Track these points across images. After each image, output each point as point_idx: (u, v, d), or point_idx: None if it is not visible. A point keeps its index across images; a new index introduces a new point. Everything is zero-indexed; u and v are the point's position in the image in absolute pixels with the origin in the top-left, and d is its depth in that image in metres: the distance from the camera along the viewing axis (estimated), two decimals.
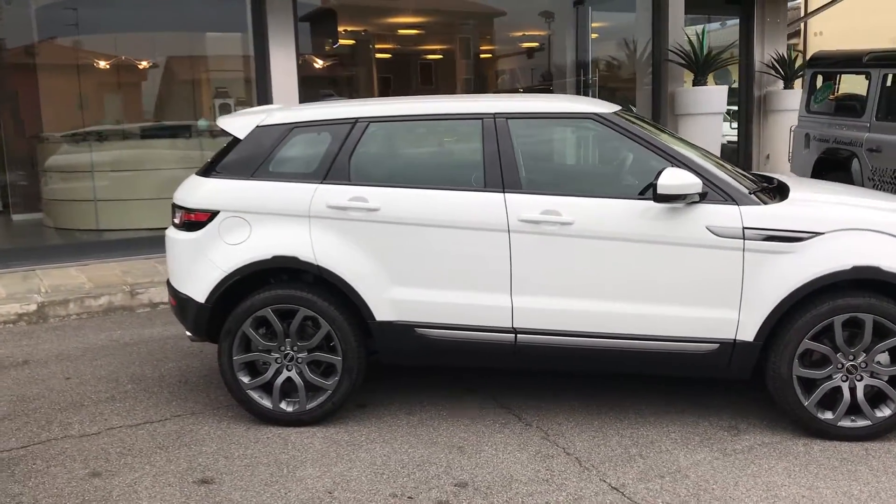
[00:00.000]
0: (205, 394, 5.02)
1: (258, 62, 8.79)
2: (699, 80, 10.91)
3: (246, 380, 4.49)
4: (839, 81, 9.59)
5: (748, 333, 4.17)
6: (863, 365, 4.13)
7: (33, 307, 6.59)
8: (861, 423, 4.17)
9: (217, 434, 4.43)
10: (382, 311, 4.36)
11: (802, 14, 20.65)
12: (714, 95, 10.74)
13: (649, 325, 4.23)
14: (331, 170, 4.44)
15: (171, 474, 3.98)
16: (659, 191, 4.06)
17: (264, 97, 8.81)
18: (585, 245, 4.22)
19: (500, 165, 4.32)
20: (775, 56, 12.27)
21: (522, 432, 4.37)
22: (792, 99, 12.21)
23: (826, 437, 4.21)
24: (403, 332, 4.38)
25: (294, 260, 4.36)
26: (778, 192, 4.54)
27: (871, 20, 20.77)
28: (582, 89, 12.62)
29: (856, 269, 4.05)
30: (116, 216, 9.67)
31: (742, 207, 4.17)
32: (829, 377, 4.17)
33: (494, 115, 4.41)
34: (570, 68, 12.80)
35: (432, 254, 4.33)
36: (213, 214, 4.47)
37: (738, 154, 12.83)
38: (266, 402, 4.49)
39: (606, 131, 4.38)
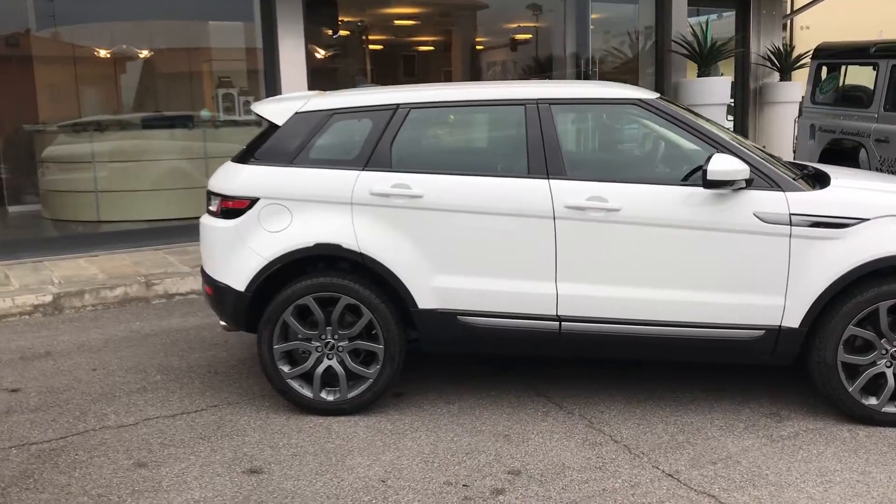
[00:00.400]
0: (237, 383, 4.96)
1: (266, 52, 8.71)
2: (703, 72, 10.94)
3: (286, 369, 4.44)
4: (846, 73, 9.63)
5: (794, 320, 4.18)
6: None
7: (49, 298, 6.49)
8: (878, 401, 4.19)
9: (257, 424, 4.37)
10: (425, 299, 4.33)
11: (789, 9, 20.80)
12: (718, 86, 10.79)
13: (696, 313, 4.22)
14: (372, 156, 4.39)
15: (218, 464, 3.93)
16: (709, 176, 4.05)
17: (273, 88, 8.73)
18: (632, 232, 4.20)
19: (544, 152, 4.30)
20: (771, 48, 12.31)
21: (566, 420, 4.36)
22: (788, 91, 12.27)
23: (870, 423, 4.22)
24: (446, 319, 4.35)
25: (337, 247, 4.31)
26: (817, 179, 4.55)
27: (853, 15, 20.94)
28: (583, 78, 12.60)
29: (888, 256, 4.07)
30: (118, 207, 9.55)
31: (788, 194, 4.17)
32: (874, 363, 4.18)
33: (537, 101, 4.38)
34: (570, 58, 12.73)
35: (476, 241, 4.29)
36: (252, 202, 4.41)
37: None
38: (306, 392, 4.44)
39: (651, 117, 4.37)
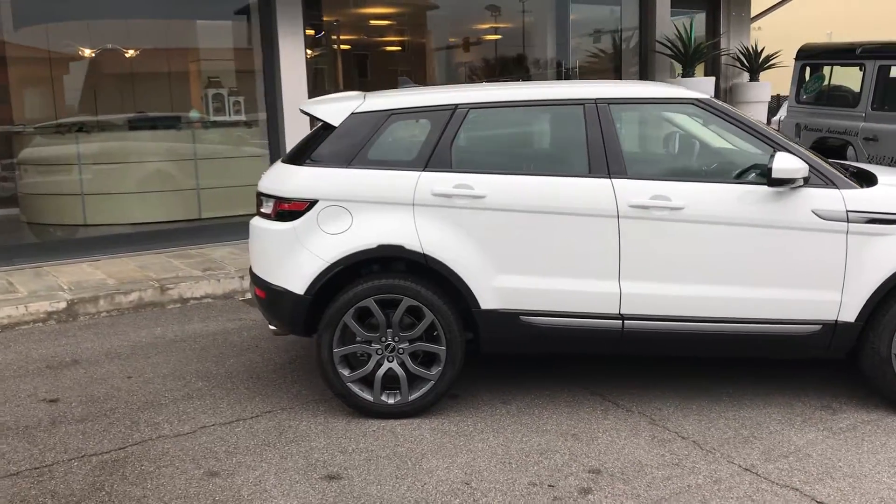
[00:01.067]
0: (284, 388, 4.88)
1: (266, 51, 8.58)
2: (688, 72, 11.12)
3: (346, 373, 4.38)
4: (831, 73, 9.89)
5: (850, 314, 4.28)
6: None
7: (63, 305, 6.30)
8: None
9: (318, 429, 4.31)
10: (487, 300, 4.32)
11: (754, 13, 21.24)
12: (703, 86, 10.97)
13: (756, 309, 4.30)
14: (432, 157, 4.36)
15: (293, 471, 3.86)
16: (774, 174, 4.12)
17: (272, 88, 8.61)
18: (695, 230, 4.26)
19: (605, 151, 4.32)
20: (741, 49, 12.54)
21: (627, 418, 4.39)
22: (758, 91, 12.53)
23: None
24: (508, 320, 4.34)
25: (399, 248, 4.28)
26: (861, 177, 4.66)
27: (802, 12, 21.49)
28: (562, 79, 12.69)
29: None
30: (106, 210, 9.31)
31: (843, 191, 4.27)
32: None
33: (596, 101, 4.40)
34: (550, 57, 12.81)
35: (539, 241, 4.30)
36: (311, 203, 4.34)
37: None
38: (367, 395, 4.39)
39: (707, 116, 4.43)
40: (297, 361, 5.33)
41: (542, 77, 12.71)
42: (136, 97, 10.38)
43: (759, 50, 12.41)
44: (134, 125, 10.01)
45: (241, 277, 7.00)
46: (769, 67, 12.50)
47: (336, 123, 4.44)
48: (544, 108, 4.53)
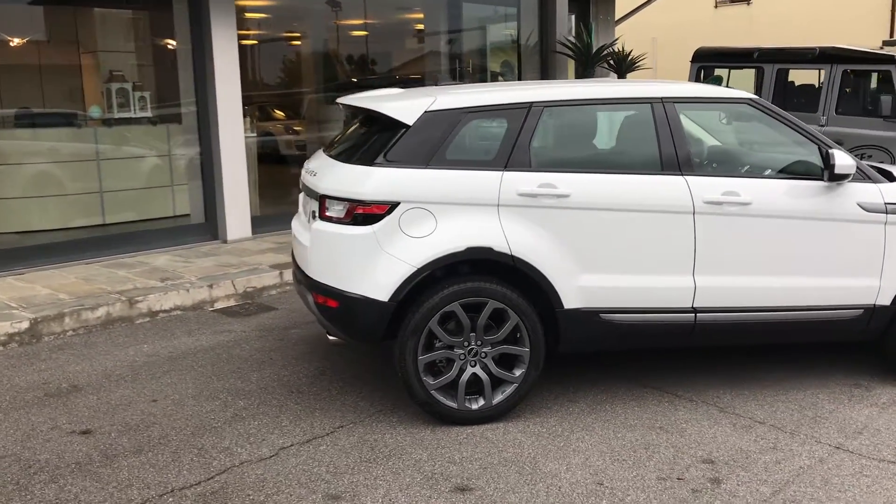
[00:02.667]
0: (338, 401, 4.63)
1: (196, 41, 8.03)
2: (589, 72, 11.55)
3: (431, 381, 4.23)
4: (729, 76, 10.63)
5: (886, 298, 4.66)
6: None
7: (25, 325, 5.61)
8: None
9: (409, 440, 4.13)
10: (570, 299, 4.32)
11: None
12: None
13: (810, 297, 4.57)
14: (511, 156, 4.30)
15: (417, 486, 3.68)
16: (836, 171, 4.41)
17: (203, 80, 8.07)
18: (760, 224, 4.47)
19: (675, 148, 4.44)
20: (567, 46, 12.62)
21: (696, 408, 4.54)
22: None
23: None
24: (589, 318, 4.36)
25: (488, 251, 4.18)
26: (882, 173, 5.02)
27: (655, 16, 22.93)
28: (458, 78, 12.78)
29: None
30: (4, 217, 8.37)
31: (879, 185, 4.63)
32: None
33: (663, 100, 4.51)
34: (444, 57, 12.86)
35: (620, 239, 4.35)
36: (392, 206, 4.14)
37: None
38: (451, 403, 4.26)
39: (759, 114, 4.65)
40: (329, 373, 5.07)
41: (436, 76, 12.70)
42: (21, 91, 9.38)
43: (626, 52, 12.58)
44: (21, 122, 9.05)
45: (210, 287, 6.54)
46: (636, 69, 12.78)
47: (409, 122, 4.26)
48: (615, 106, 4.58)
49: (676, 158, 4.44)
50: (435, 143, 4.25)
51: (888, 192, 4.63)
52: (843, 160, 4.43)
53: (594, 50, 11.32)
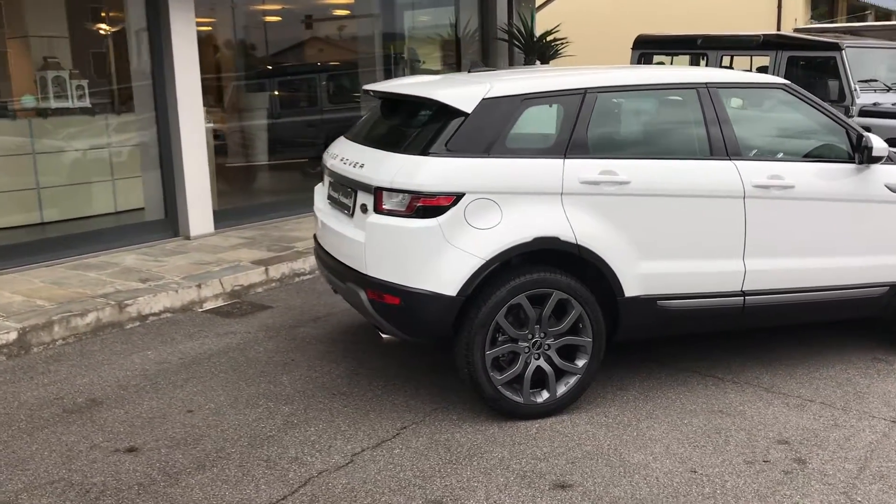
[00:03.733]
0: (387, 400, 4.44)
1: (152, 26, 7.55)
2: (530, 60, 11.58)
3: (498, 376, 4.12)
4: (672, 62, 10.88)
5: None
6: None
7: (13, 336, 5.13)
8: None
9: (481, 438, 4.01)
10: (631, 287, 4.29)
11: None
12: None
13: (845, 276, 4.71)
14: (570, 143, 4.21)
15: (515, 486, 3.58)
16: (874, 153, 4.55)
17: (161, 67, 7.60)
18: (802, 206, 4.56)
19: (722, 133, 4.47)
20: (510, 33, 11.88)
21: (744, 390, 4.60)
22: None
23: None
24: (647, 306, 4.35)
25: (555, 240, 4.09)
26: None
27: (558, 4, 23.20)
28: (393, 65, 12.56)
29: None
30: None
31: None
32: None
33: (707, 85, 4.53)
34: (378, 40, 12.57)
35: (677, 225, 4.35)
36: (457, 197, 3.99)
37: None
38: (516, 397, 4.17)
39: (793, 99, 4.74)
40: (364, 372, 4.87)
41: (370, 63, 12.45)
42: None
43: (532, 29, 11.80)
44: None
45: (199, 286, 6.17)
46: (557, 55, 12.65)
47: (468, 110, 4.11)
48: (664, 91, 4.56)
49: (724, 143, 4.47)
50: (495, 132, 4.12)
51: None
52: (879, 143, 4.57)
53: (537, 37, 11.33)
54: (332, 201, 4.78)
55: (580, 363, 4.27)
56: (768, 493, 3.52)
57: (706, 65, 10.15)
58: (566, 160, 4.17)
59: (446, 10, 12.35)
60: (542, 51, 11.46)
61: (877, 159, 4.60)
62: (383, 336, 4.32)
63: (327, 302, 6.25)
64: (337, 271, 4.54)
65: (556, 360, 4.22)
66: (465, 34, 11.92)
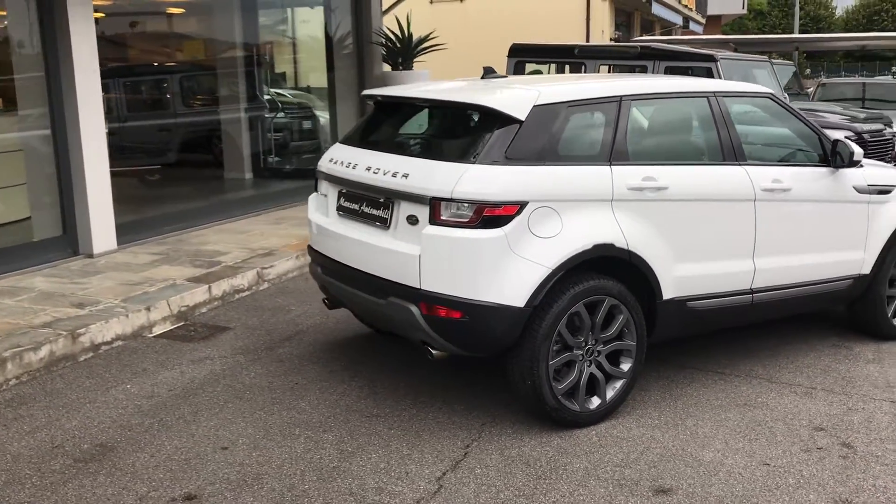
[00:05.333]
0: (430, 418, 4.26)
1: (44, 15, 6.74)
2: (406, 65, 11.52)
3: (559, 386, 4.09)
4: (549, 70, 11.23)
5: (867, 267, 5.34)
6: None
7: None
8: None
9: (550, 451, 3.95)
10: (668, 290, 4.40)
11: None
12: (422, 79, 11.48)
13: (826, 270, 5.11)
14: (613, 150, 4.26)
15: (620, 495, 3.56)
16: (855, 157, 4.96)
17: (55, 63, 6.79)
18: (797, 208, 4.90)
19: (731, 139, 4.70)
20: (383, 33, 11.48)
21: (749, 382, 4.84)
22: (413, 80, 11.36)
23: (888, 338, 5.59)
24: (679, 307, 4.48)
25: (610, 247, 4.12)
26: None
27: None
28: (256, 67, 12.00)
29: None
30: None
31: (863, 170, 5.29)
32: None
33: (715, 94, 4.74)
34: (240, 46, 12.02)
35: (705, 228, 4.52)
36: (521, 206, 3.91)
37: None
38: (573, 406, 4.15)
39: (777, 108, 5.07)
40: (383, 390, 4.63)
41: (231, 64, 11.85)
42: None
43: (410, 35, 11.47)
44: None
45: (148, 310, 5.60)
46: (421, 52, 11.56)
47: (521, 117, 4.03)
48: (683, 99, 4.70)
49: (734, 149, 4.70)
50: (548, 139, 4.08)
51: (869, 176, 5.30)
52: (857, 149, 5.00)
53: (415, 42, 11.30)
54: (349, 212, 4.52)
55: (625, 367, 4.32)
56: (844, 478, 3.74)
57: (584, 72, 10.53)
58: (613, 167, 4.21)
59: (316, 12, 12.02)
60: (415, 56, 11.44)
61: (856, 163, 5.03)
62: (434, 352, 4.14)
63: (285, 319, 5.89)
64: (363, 285, 4.29)
65: (606, 365, 4.25)
66: (338, 37, 11.65)
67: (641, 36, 31.30)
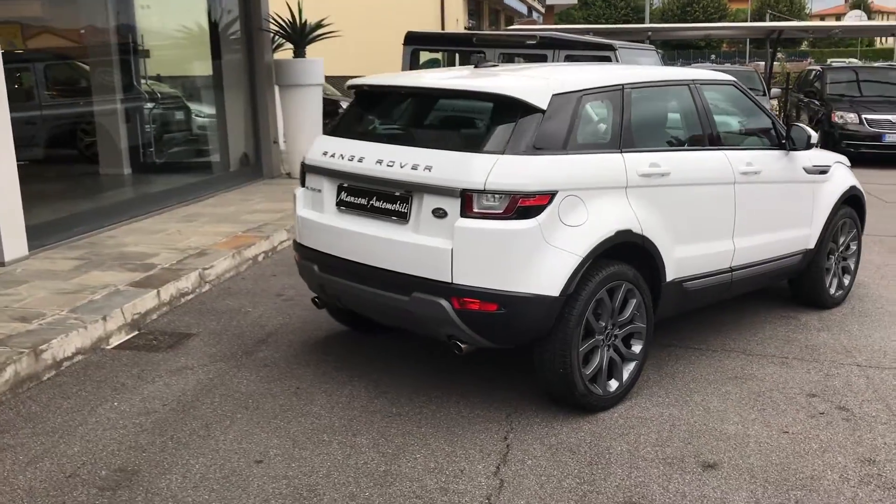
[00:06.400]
0: (452, 412, 4.21)
1: None
2: (300, 52, 11.20)
3: (587, 371, 4.14)
4: (446, 58, 11.23)
5: (812, 242, 5.75)
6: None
7: None
8: (838, 293, 6.14)
9: (584, 437, 4.00)
10: (670, 272, 4.55)
11: None
12: (317, 66, 11.20)
13: (783, 246, 5.45)
14: (622, 138, 4.35)
15: (674, 473, 3.66)
16: (812, 140, 5.30)
17: None
18: (765, 189, 5.19)
19: (710, 125, 4.91)
20: (274, 17, 10.98)
21: (730, 356, 5.10)
22: (308, 70, 10.98)
23: (832, 307, 6.07)
24: (677, 288, 4.65)
25: (629, 233, 4.21)
26: None
27: None
28: (132, 55, 11.27)
29: (851, 187, 6.01)
30: None
31: (808, 152, 5.66)
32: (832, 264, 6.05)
33: (693, 82, 4.93)
34: (111, 28, 11.18)
35: (697, 211, 4.71)
36: (552, 196, 3.92)
37: (245, 134, 11.22)
38: (597, 390, 4.23)
39: (739, 95, 5.34)
40: (393, 389, 4.52)
41: (104, 52, 11.10)
42: None
43: (303, 20, 11.00)
44: None
45: (104, 320, 5.17)
46: (316, 39, 11.23)
47: (543, 106, 4.03)
48: (671, 87, 4.84)
49: (715, 135, 4.91)
50: (568, 128, 4.10)
51: (813, 157, 5.69)
52: (813, 133, 5.35)
53: (310, 28, 10.98)
54: (353, 207, 4.36)
55: (637, 349, 4.43)
56: (857, 439, 4.02)
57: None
58: (623, 154, 4.29)
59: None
60: (308, 44, 11.14)
61: (814, 145, 5.38)
62: (462, 346, 4.08)
63: (247, 322, 5.63)
64: (377, 281, 4.17)
65: (622, 348, 4.34)
66: (224, 22, 11.10)
67: (491, 26, 31.94)
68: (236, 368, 4.81)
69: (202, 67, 11.53)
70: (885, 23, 52.27)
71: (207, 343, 5.23)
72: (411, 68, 11.07)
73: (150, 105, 11.43)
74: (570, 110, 4.13)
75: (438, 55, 11.49)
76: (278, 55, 11.58)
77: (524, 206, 3.85)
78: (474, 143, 4.04)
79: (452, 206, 3.91)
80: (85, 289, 5.74)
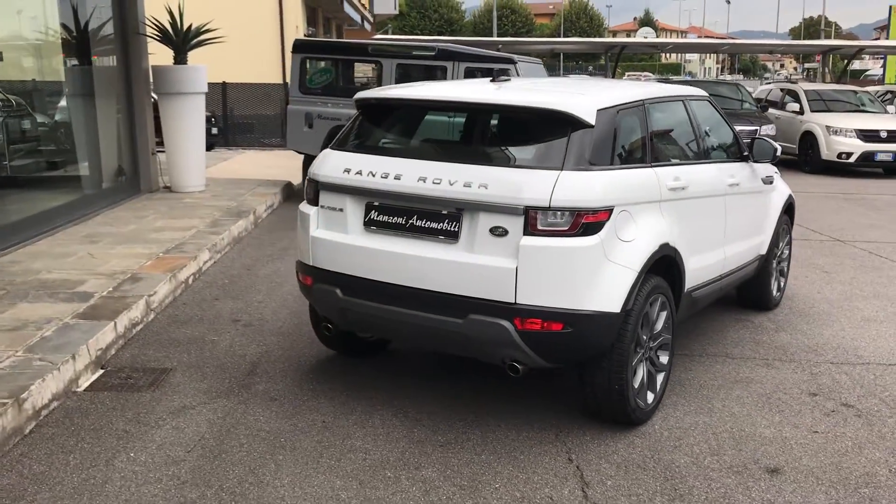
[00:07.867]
0: (499, 434, 4.09)
1: None
2: (181, 59, 10.53)
3: (636, 386, 4.16)
4: (338, 67, 10.93)
5: (765, 248, 6.10)
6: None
7: None
8: (778, 294, 6.56)
9: (644, 452, 4.01)
10: (688, 282, 4.67)
11: None
12: (200, 74, 10.57)
13: (749, 253, 5.74)
14: (650, 153, 4.41)
15: (741, 478, 3.74)
16: (778, 153, 5.62)
17: None
18: (742, 199, 5.44)
19: (700, 139, 5.10)
20: (153, 20, 10.31)
21: (718, 360, 5.30)
22: (190, 77, 10.35)
23: (769, 309, 6.48)
24: (688, 298, 4.77)
25: (667, 246, 4.27)
26: None
27: None
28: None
29: (790, 196, 6.44)
30: None
31: (759, 164, 6.01)
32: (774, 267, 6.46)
33: (686, 97, 5.09)
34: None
35: (703, 222, 4.86)
36: (610, 212, 3.90)
37: (119, 146, 10.48)
38: (642, 404, 4.26)
39: (711, 109, 5.56)
40: (413, 411, 4.32)
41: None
42: None
43: (181, 23, 10.31)
44: None
45: (73, 359, 4.59)
46: (199, 45, 10.58)
47: (592, 121, 4.00)
48: (674, 103, 4.94)
49: (706, 148, 5.09)
50: (612, 143, 4.11)
51: (762, 169, 6.02)
52: (777, 145, 5.67)
53: (194, 33, 10.33)
54: (388, 227, 4.13)
55: (664, 360, 4.50)
56: (879, 434, 4.29)
57: (381, 70, 10.42)
58: (654, 169, 4.35)
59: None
60: (191, 49, 10.49)
61: (777, 158, 5.70)
62: (518, 367, 3.96)
63: (221, 352, 5.22)
64: (424, 304, 3.97)
65: (657, 360, 4.40)
66: (95, 25, 10.21)
67: (326, 34, 31.56)
68: (243, 405, 4.42)
69: (71, 74, 10.53)
70: (714, 40, 57.43)
71: (192, 378, 4.77)
72: (300, 78, 10.73)
73: (6, 114, 10.32)
74: (613, 125, 4.14)
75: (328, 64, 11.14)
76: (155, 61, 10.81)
77: (587, 222, 3.80)
78: (527, 160, 3.95)
79: (514, 224, 3.79)
80: (26, 324, 5.07)
